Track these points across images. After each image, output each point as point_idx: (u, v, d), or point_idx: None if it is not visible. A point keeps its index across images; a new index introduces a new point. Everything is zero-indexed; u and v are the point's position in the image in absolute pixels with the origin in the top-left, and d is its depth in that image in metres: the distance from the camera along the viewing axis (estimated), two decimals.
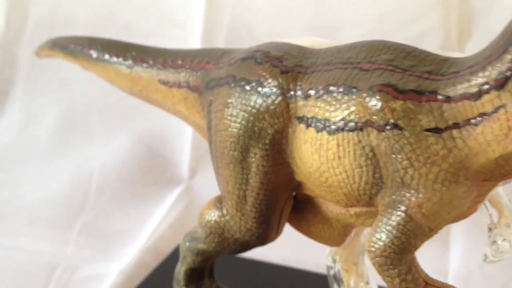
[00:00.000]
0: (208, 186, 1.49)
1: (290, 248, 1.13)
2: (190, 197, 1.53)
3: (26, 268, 1.30)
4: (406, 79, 0.69)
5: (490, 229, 0.79)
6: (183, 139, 1.59)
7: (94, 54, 1.02)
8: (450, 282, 0.98)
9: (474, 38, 1.42)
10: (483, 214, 0.79)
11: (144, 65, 0.97)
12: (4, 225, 1.44)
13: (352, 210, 0.77)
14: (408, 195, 0.69)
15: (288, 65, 0.79)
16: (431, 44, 1.40)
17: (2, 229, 1.42)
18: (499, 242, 0.77)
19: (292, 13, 1.52)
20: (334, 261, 0.94)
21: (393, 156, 0.68)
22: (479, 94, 0.64)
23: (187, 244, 0.95)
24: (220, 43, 1.57)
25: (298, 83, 0.77)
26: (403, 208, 0.69)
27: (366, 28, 1.43)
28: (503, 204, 0.79)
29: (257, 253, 1.06)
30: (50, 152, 1.64)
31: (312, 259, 1.20)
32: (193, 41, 1.60)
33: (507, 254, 0.78)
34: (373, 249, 0.71)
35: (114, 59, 1.00)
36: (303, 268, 1.22)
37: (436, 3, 1.41)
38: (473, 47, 1.41)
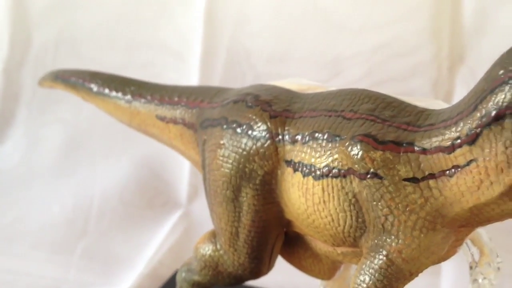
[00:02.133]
0: (207, 210, 1.52)
1: (285, 273, 1.15)
2: (189, 221, 1.55)
3: None
4: (385, 130, 0.72)
5: (471, 267, 0.81)
6: (183, 164, 1.61)
7: (94, 88, 1.05)
8: None
9: (462, 72, 1.45)
10: (465, 252, 0.81)
11: (142, 100, 1.00)
12: (7, 248, 1.47)
13: (339, 250, 0.80)
14: (389, 240, 0.72)
15: (277, 110, 0.82)
16: (424, 75, 1.43)
17: (5, 253, 1.45)
18: (480, 280, 0.80)
19: (291, 39, 1.54)
20: None
21: (374, 203, 0.71)
22: (452, 148, 0.67)
23: (183, 275, 0.97)
24: (218, 68, 1.60)
25: (286, 128, 0.80)
26: (384, 252, 0.72)
27: (361, 59, 1.45)
28: (483, 243, 0.82)
29: None
30: (53, 176, 1.66)
31: (307, 284, 1.22)
32: (192, 65, 1.62)
33: None
34: None
35: (114, 93, 1.03)
36: None
37: (428, 36, 1.44)
38: (462, 79, 1.44)
